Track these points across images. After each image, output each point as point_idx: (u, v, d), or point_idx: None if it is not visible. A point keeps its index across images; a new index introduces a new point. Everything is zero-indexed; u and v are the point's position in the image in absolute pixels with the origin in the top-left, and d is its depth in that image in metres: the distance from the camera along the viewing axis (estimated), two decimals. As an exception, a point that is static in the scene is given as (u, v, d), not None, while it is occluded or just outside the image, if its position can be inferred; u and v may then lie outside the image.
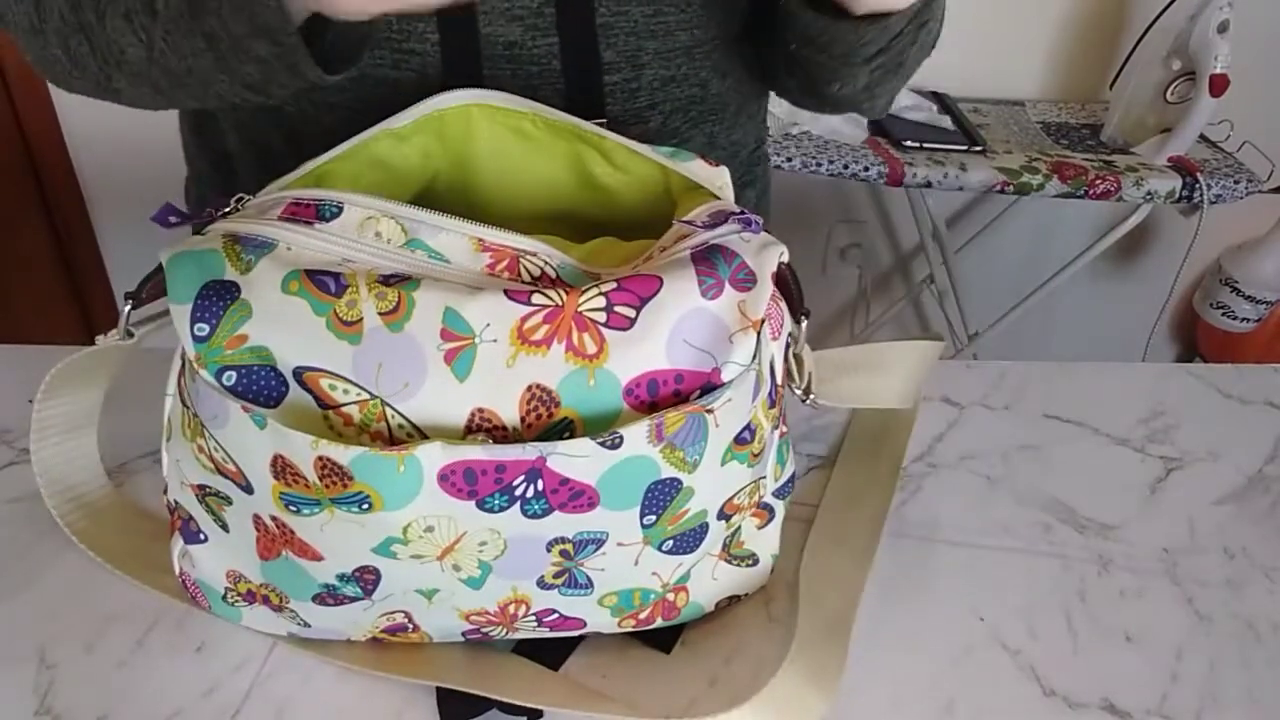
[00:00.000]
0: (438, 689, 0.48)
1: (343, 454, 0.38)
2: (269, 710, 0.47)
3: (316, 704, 0.48)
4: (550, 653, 0.50)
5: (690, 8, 0.59)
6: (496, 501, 0.40)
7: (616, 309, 0.41)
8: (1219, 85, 1.51)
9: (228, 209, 0.45)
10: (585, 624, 0.48)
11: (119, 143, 1.79)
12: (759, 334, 0.43)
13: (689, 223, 0.45)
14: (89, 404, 0.52)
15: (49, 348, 0.68)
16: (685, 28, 0.60)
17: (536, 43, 0.57)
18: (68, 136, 1.81)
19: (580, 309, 0.41)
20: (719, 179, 0.51)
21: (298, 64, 0.47)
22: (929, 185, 1.54)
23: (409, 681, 0.48)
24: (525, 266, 0.43)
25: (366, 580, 0.44)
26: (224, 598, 0.48)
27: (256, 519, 0.44)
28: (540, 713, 0.47)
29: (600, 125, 0.51)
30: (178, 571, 0.49)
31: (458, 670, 0.49)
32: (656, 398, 0.41)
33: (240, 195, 0.46)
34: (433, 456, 0.38)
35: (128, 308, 0.44)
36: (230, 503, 0.44)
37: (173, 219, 0.45)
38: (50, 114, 1.77)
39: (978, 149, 1.57)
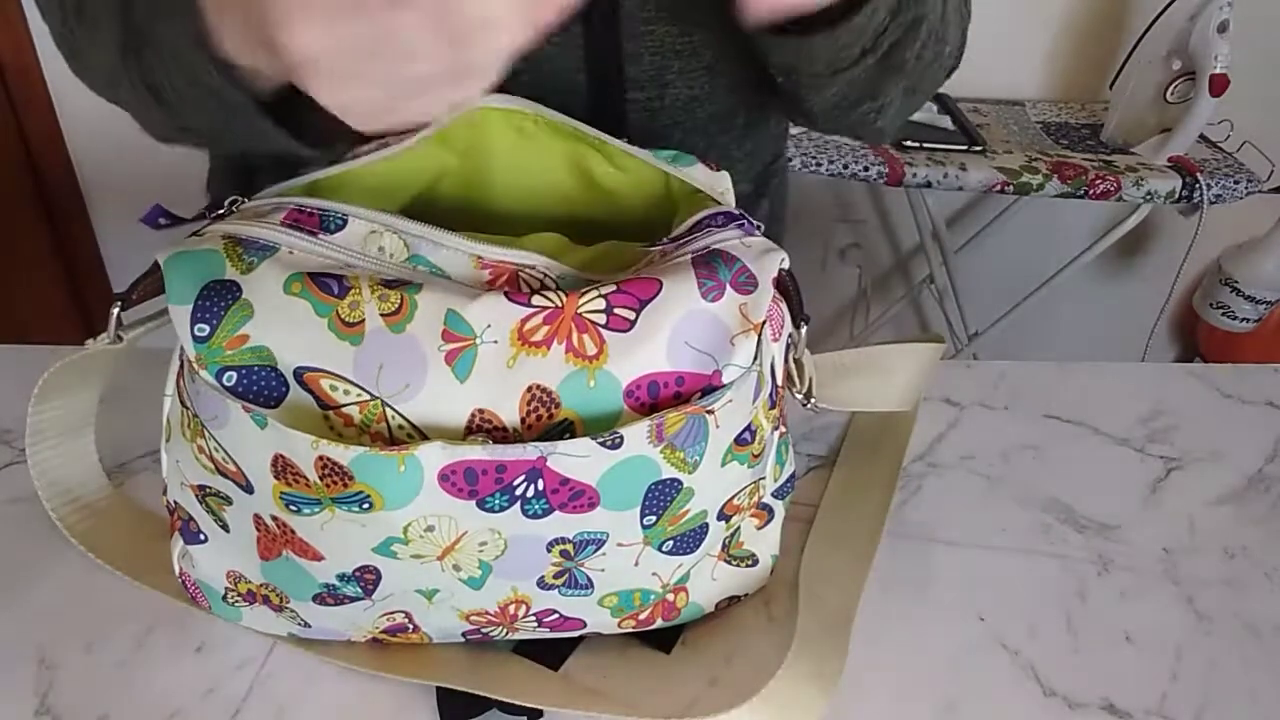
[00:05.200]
0: (438, 689, 0.48)
1: (343, 454, 0.38)
2: (269, 710, 0.47)
3: (316, 704, 0.48)
4: (550, 653, 0.50)
5: (715, 25, 0.57)
6: (497, 501, 0.40)
7: (616, 311, 0.41)
8: (1219, 85, 1.51)
9: (221, 211, 0.45)
10: (585, 624, 0.48)
11: (119, 143, 1.79)
12: (760, 336, 0.43)
13: (676, 240, 0.45)
14: (84, 407, 0.52)
15: (49, 348, 0.68)
16: (710, 45, 0.58)
17: (561, 57, 0.56)
18: (68, 136, 1.81)
19: (580, 310, 0.41)
20: (720, 184, 0.51)
21: (266, 134, 0.45)
22: (929, 185, 1.54)
23: (409, 681, 0.48)
24: (524, 280, 0.43)
25: (367, 580, 0.44)
26: (224, 598, 0.48)
27: (257, 519, 0.44)
28: (540, 713, 0.47)
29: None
30: (178, 572, 0.49)
31: (458, 670, 0.49)
32: (657, 399, 0.41)
33: (234, 198, 0.45)
34: (433, 456, 0.38)
35: (116, 310, 0.44)
36: (230, 503, 0.44)
37: (162, 220, 0.44)
38: (50, 114, 1.77)
39: (978, 149, 1.57)
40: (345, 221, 0.44)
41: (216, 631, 0.51)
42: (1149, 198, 1.53)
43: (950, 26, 0.57)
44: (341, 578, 0.44)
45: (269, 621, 0.49)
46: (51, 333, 1.94)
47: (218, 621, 0.51)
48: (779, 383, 0.47)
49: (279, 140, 0.46)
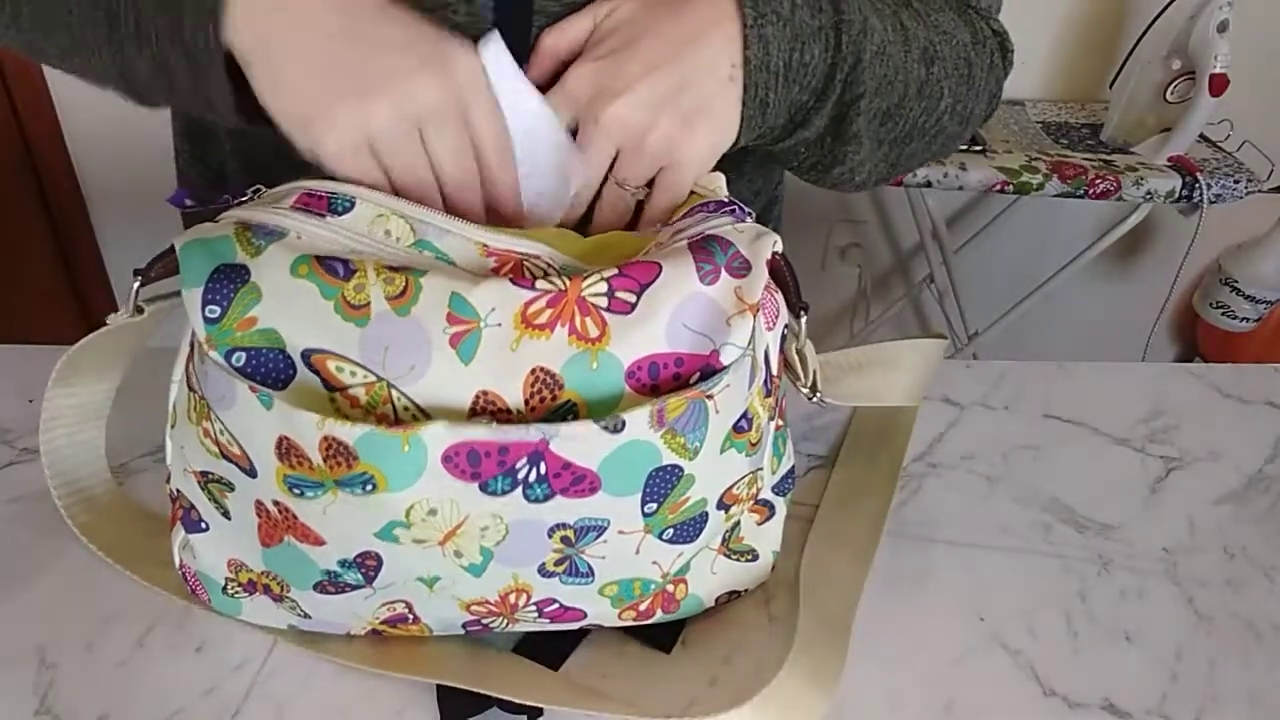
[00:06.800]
0: (438, 687, 0.48)
1: (349, 432, 0.39)
2: (269, 710, 0.47)
3: (316, 704, 0.48)
4: (550, 652, 0.50)
5: None
6: (499, 484, 0.40)
7: (618, 294, 0.42)
8: (1219, 85, 1.51)
9: (244, 198, 0.46)
10: (585, 615, 0.48)
11: (119, 143, 1.79)
12: (755, 318, 0.44)
13: (673, 225, 0.46)
14: (100, 396, 0.52)
15: (49, 348, 0.68)
16: None
17: None
18: (68, 136, 1.81)
19: (583, 293, 0.42)
20: (713, 183, 0.51)
21: (210, 90, 0.46)
22: (929, 185, 1.54)
23: (409, 680, 0.48)
24: (529, 269, 0.44)
25: (368, 566, 0.44)
26: (224, 589, 0.48)
27: (259, 504, 0.44)
28: (540, 712, 0.47)
29: None
30: (178, 564, 0.49)
31: (458, 669, 0.49)
32: (658, 380, 0.42)
33: (257, 186, 0.46)
34: (437, 436, 0.39)
35: (136, 284, 0.44)
36: (232, 489, 0.44)
37: (189, 202, 0.45)
38: (50, 114, 1.77)
39: (977, 148, 1.57)
40: (353, 204, 0.44)
41: (216, 631, 0.51)
42: (1149, 197, 1.53)
43: (953, 118, 0.57)
44: (343, 564, 0.44)
45: (269, 613, 0.49)
46: (51, 333, 1.94)
47: (217, 621, 0.51)
48: (774, 372, 0.47)
49: (217, 97, 0.47)
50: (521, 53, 0.50)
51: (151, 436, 0.57)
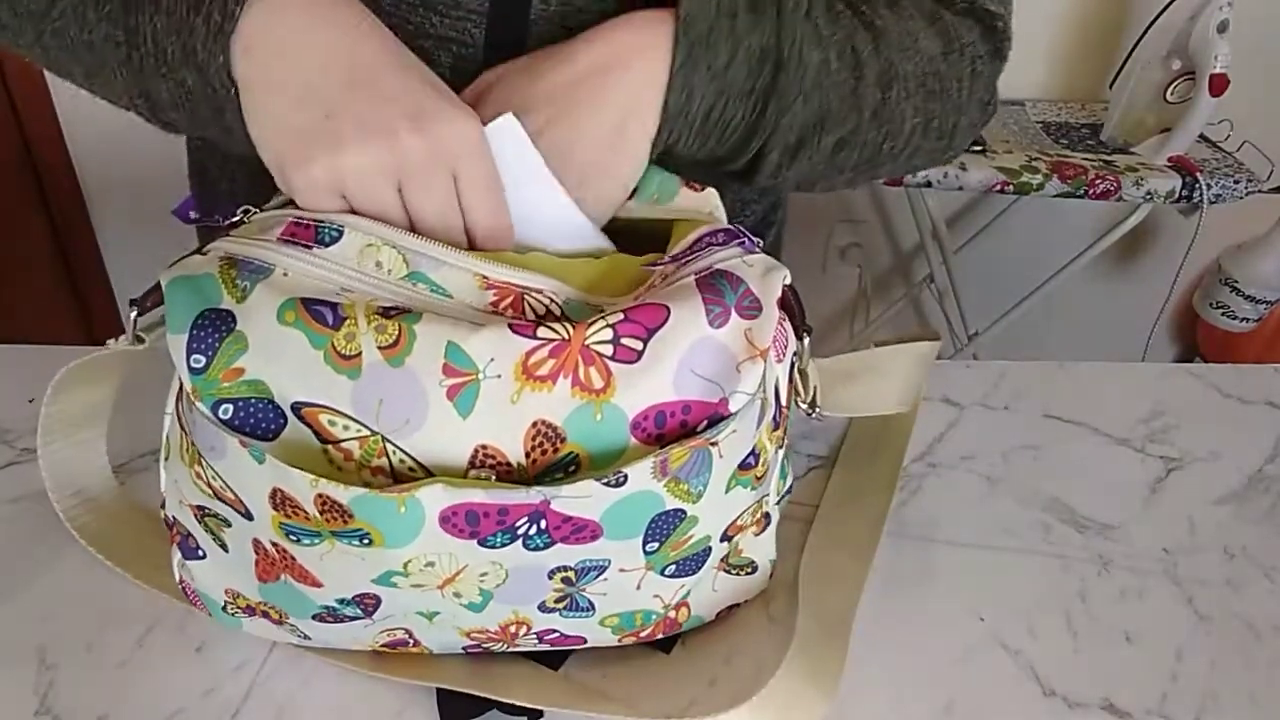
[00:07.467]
0: (438, 690, 0.48)
1: (342, 494, 0.37)
2: (269, 710, 0.47)
3: (316, 704, 0.48)
4: (550, 653, 0.50)
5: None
6: (499, 540, 0.39)
7: (624, 342, 0.40)
8: (1219, 85, 1.51)
9: (235, 219, 0.44)
10: (586, 641, 0.48)
11: (119, 143, 1.79)
12: (765, 362, 0.42)
13: (674, 260, 0.45)
14: (99, 405, 0.52)
15: (49, 348, 0.68)
16: None
17: None
18: (68, 137, 1.81)
19: (587, 342, 0.40)
20: (707, 204, 0.50)
21: (227, 116, 0.45)
22: (929, 185, 1.54)
23: (409, 682, 0.48)
24: (530, 304, 0.43)
25: (367, 604, 0.43)
26: (224, 609, 0.48)
27: (256, 543, 0.43)
28: (540, 713, 0.47)
29: None
30: (178, 580, 0.49)
31: (458, 671, 0.48)
32: (664, 430, 0.40)
33: (247, 208, 0.45)
34: (434, 498, 0.38)
35: (134, 314, 0.43)
36: (229, 525, 0.43)
37: (193, 214, 0.44)
38: (50, 114, 1.77)
39: (977, 148, 1.57)
40: (341, 233, 0.42)
41: (216, 632, 0.51)
42: (1149, 197, 1.53)
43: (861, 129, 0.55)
44: (341, 601, 0.43)
45: (269, 631, 0.48)
46: (51, 333, 1.94)
47: (217, 623, 0.50)
48: (783, 403, 0.46)
49: (231, 116, 0.46)
50: (516, 40, 0.49)
51: (151, 437, 0.57)
